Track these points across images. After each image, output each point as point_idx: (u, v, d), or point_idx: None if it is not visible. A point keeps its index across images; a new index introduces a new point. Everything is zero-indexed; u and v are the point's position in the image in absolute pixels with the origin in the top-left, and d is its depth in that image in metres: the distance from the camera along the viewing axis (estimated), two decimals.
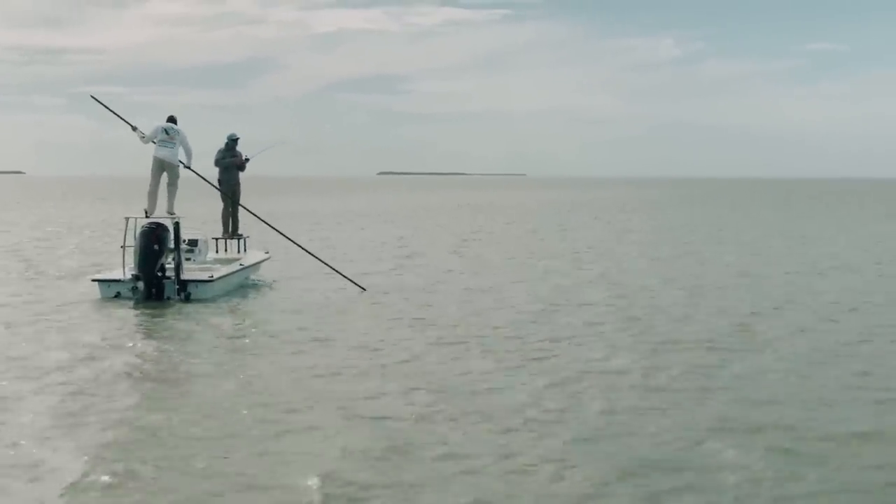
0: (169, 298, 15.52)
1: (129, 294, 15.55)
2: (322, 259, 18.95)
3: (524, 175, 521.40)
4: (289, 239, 19.32)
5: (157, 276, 15.54)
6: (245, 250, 20.05)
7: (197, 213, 36.43)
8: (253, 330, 13.48)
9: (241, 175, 20.61)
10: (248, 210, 18.91)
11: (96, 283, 16.33)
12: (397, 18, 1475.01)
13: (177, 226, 16.00)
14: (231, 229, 20.53)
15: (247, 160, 20.27)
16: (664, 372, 10.69)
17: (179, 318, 14.21)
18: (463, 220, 43.89)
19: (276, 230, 19.29)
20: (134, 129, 16.83)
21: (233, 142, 20.26)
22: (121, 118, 17.03)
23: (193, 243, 17.38)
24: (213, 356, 11.62)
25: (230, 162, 20.12)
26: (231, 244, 20.27)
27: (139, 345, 12.23)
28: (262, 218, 18.92)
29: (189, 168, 17.15)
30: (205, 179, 18.24)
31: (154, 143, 16.67)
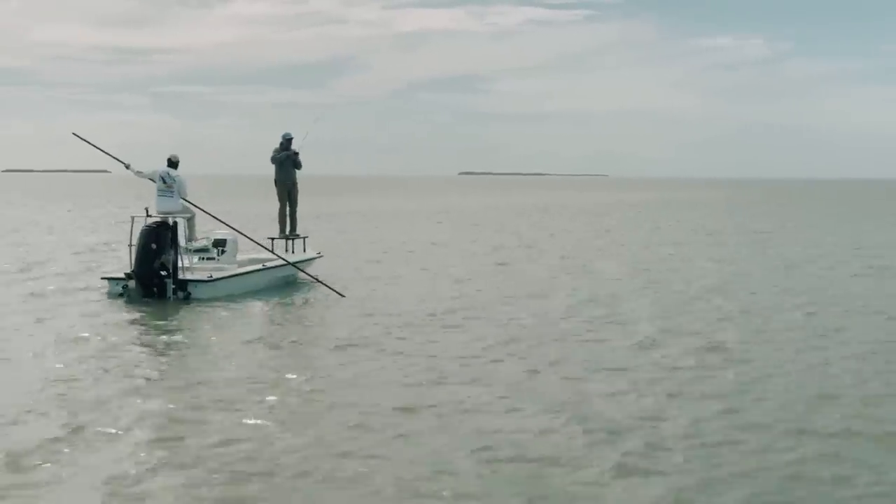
0: (171, 298, 15.28)
1: (121, 292, 15.47)
2: (300, 265, 18.07)
3: (606, 176, 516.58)
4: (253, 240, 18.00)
5: (159, 274, 15.30)
6: (304, 250, 19.60)
7: (254, 213, 36.73)
8: (212, 338, 12.58)
9: (299, 174, 20.22)
10: (209, 213, 17.37)
11: (105, 280, 16.42)
12: (479, 18, 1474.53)
13: (174, 226, 15.68)
14: (289, 229, 20.11)
15: (296, 154, 19.81)
16: None
17: (155, 317, 13.90)
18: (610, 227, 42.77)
19: (239, 231, 17.86)
20: (127, 166, 16.52)
21: (287, 141, 19.86)
22: (111, 156, 16.75)
23: (222, 243, 17.08)
24: (160, 360, 11.10)
25: (284, 156, 19.71)
26: (289, 245, 19.72)
27: (96, 340, 12.07)
28: (223, 220, 17.85)
29: (187, 200, 16.51)
30: (209, 213, 17.36)
31: (154, 183, 16.35)
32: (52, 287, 17.08)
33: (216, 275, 15.96)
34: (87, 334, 12.51)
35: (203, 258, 16.81)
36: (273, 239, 19.92)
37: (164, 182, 16.21)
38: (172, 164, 16.43)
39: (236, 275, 16.54)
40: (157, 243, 15.30)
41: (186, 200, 16.47)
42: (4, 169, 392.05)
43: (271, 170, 20.01)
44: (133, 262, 15.57)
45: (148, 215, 15.83)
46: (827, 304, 15.91)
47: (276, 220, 20.43)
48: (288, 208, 20.09)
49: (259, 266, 17.31)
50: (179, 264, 15.59)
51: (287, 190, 19.98)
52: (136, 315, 14.08)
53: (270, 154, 19.87)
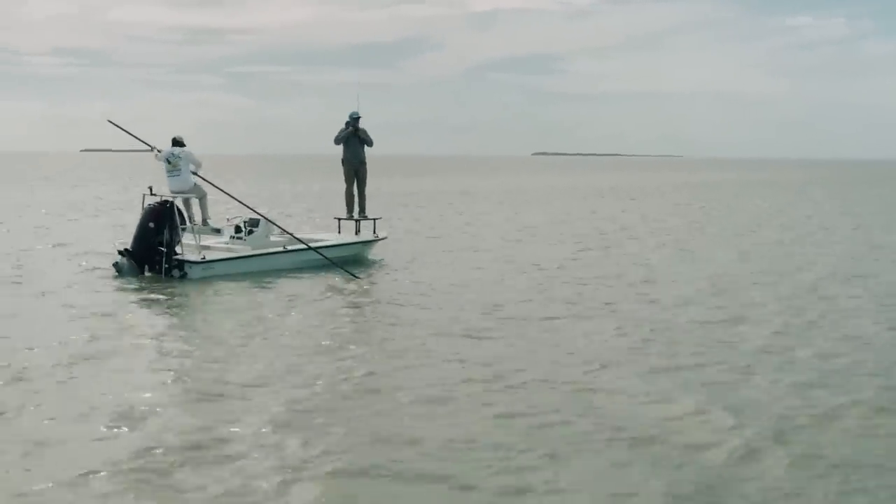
0: (172, 276, 15.20)
1: (115, 269, 15.53)
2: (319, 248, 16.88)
3: (681, 157, 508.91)
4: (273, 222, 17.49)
5: (154, 252, 15.32)
6: (374, 232, 19.02)
7: (323, 192, 36.17)
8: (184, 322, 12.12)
9: (368, 152, 19.43)
10: (220, 189, 17.13)
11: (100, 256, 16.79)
12: None
13: (170, 205, 15.53)
14: (358, 210, 19.33)
15: (363, 130, 19.12)
16: None
17: (128, 293, 13.95)
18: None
19: (256, 211, 17.31)
20: (152, 148, 16.72)
21: (355, 120, 19.09)
22: (139, 139, 16.79)
23: (255, 223, 16.80)
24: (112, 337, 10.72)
25: (346, 134, 19.03)
26: (354, 226, 19.21)
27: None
28: (242, 200, 17.32)
29: (198, 175, 16.66)
30: (222, 190, 17.11)
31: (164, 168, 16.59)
32: (63, 261, 17.37)
33: (211, 256, 15.71)
34: (52, 303, 12.93)
35: (233, 237, 16.73)
36: (340, 220, 19.45)
37: (169, 162, 16.41)
38: (177, 143, 16.60)
39: (236, 257, 16.05)
40: (156, 222, 15.33)
41: (199, 176, 16.56)
42: (83, 149, 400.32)
43: (342, 150, 19.31)
44: (132, 239, 15.70)
45: (152, 194, 15.85)
46: None
47: (344, 200, 19.66)
48: (356, 188, 19.33)
49: (270, 249, 16.54)
50: (186, 243, 15.63)
51: (354, 169, 19.30)
52: (111, 290, 14.13)
53: (336, 135, 19.19)
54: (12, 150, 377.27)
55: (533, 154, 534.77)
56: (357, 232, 19.05)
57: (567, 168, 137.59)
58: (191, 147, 16.78)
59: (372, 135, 19.22)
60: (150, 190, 15.96)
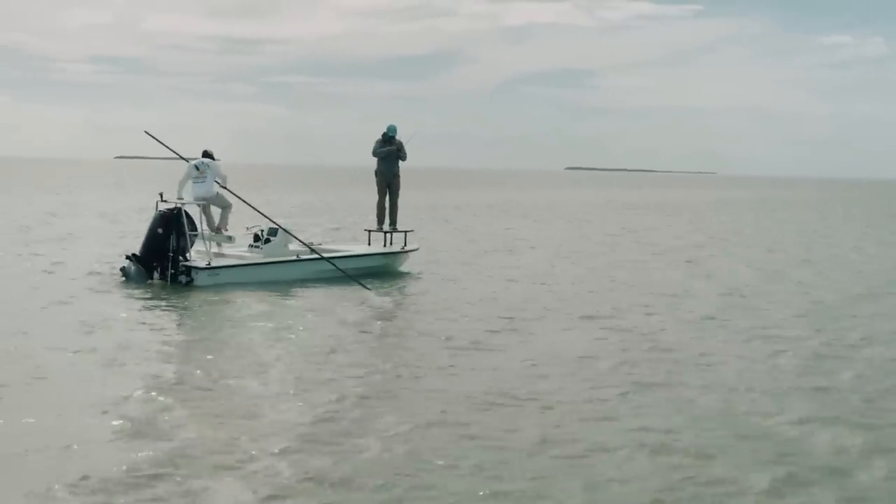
0: (180, 282, 15.28)
1: (121, 274, 15.76)
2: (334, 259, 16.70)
3: (714, 173, 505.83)
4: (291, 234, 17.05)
5: (162, 258, 15.43)
6: (404, 244, 18.85)
7: (356, 203, 36.08)
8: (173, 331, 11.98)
9: (402, 165, 19.34)
10: (244, 201, 16.91)
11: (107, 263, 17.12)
12: (587, 12, 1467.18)
13: (178, 212, 15.62)
14: (390, 222, 19.25)
15: (401, 146, 19.05)
16: None
17: (130, 298, 14.10)
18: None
19: (276, 223, 17.04)
20: (185, 160, 17.03)
21: (390, 138, 19.01)
22: (173, 151, 16.82)
23: (273, 233, 16.73)
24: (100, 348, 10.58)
25: (387, 151, 18.96)
26: (384, 239, 19.00)
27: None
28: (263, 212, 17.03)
29: (225, 188, 16.91)
30: (244, 202, 16.92)
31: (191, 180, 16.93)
32: (70, 265, 17.56)
33: (220, 263, 15.78)
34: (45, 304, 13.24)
35: (251, 246, 16.81)
36: (370, 231, 19.35)
37: (198, 169, 16.71)
38: (207, 155, 17.01)
39: (244, 265, 16.10)
40: (164, 228, 15.48)
41: (224, 188, 16.78)
42: (117, 155, 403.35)
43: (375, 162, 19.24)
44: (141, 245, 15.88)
45: (163, 200, 15.94)
46: None
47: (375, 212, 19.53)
48: (388, 201, 19.27)
49: (283, 258, 16.49)
50: (200, 250, 15.73)
51: (387, 182, 19.20)
52: (114, 295, 14.31)
53: (372, 146, 19.08)
54: (48, 157, 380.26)
55: (566, 168, 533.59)
56: (386, 244, 18.91)
57: (601, 183, 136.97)
58: (225, 159, 16.95)
59: (407, 147, 19.16)
60: (161, 196, 16.04)
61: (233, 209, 17.24)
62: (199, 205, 16.35)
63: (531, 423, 8.02)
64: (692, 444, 7.58)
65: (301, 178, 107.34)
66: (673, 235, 30.45)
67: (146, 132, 17.09)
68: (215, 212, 17.01)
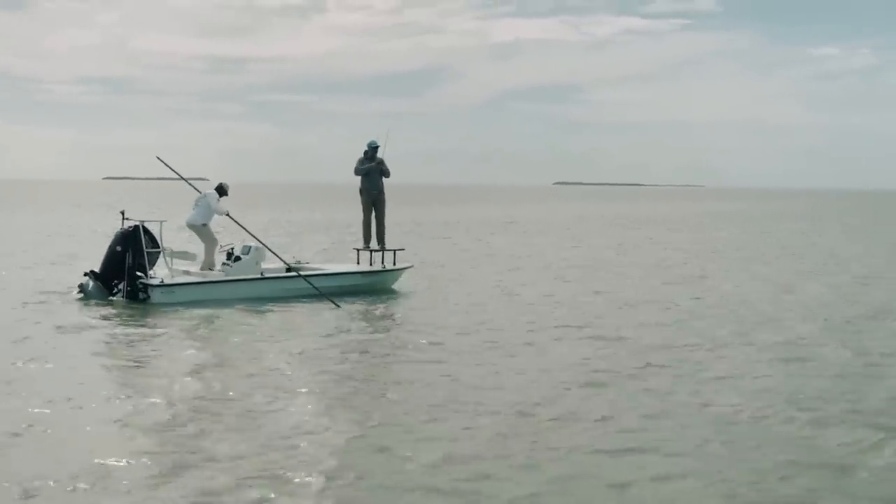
0: (143, 299, 15.31)
1: (79, 291, 15.80)
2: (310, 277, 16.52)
3: (702, 186, 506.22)
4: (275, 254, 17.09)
5: (118, 276, 15.48)
6: (393, 263, 18.51)
7: (347, 222, 35.86)
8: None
9: (386, 182, 18.94)
10: (233, 220, 16.73)
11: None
12: (574, 28, 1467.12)
13: (135, 230, 15.69)
14: (377, 241, 18.85)
15: (381, 162, 18.62)
16: None
17: (84, 316, 14.25)
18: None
19: (258, 239, 17.08)
20: (194, 186, 17.03)
21: (373, 150, 18.65)
22: (188, 182, 16.91)
23: (246, 251, 16.66)
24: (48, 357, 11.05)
25: (368, 168, 18.59)
26: (370, 257, 18.61)
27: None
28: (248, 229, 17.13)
29: (221, 214, 16.87)
30: (235, 221, 16.78)
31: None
32: (35, 283, 17.66)
33: (170, 280, 15.60)
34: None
35: (224, 264, 16.60)
36: (359, 250, 19.01)
37: (196, 199, 16.91)
38: (218, 189, 17.13)
39: (201, 282, 16.01)
40: (122, 246, 15.58)
41: (224, 217, 16.72)
42: (105, 176, 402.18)
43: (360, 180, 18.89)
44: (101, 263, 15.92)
45: (125, 219, 16.03)
46: None
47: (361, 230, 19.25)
48: (374, 219, 18.89)
49: (248, 276, 16.31)
50: (153, 269, 15.74)
51: (372, 200, 18.84)
52: (65, 311, 14.54)
53: (355, 165, 18.77)
54: (34, 178, 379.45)
55: (555, 183, 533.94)
56: (372, 263, 18.51)
57: (589, 197, 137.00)
58: (214, 179, 17.03)
59: (389, 164, 18.79)
60: (123, 214, 16.22)
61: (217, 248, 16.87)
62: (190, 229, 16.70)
63: (526, 448, 7.63)
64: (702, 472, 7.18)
65: (290, 196, 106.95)
66: (667, 247, 30.16)
67: (158, 158, 17.27)
68: (201, 245, 16.94)
